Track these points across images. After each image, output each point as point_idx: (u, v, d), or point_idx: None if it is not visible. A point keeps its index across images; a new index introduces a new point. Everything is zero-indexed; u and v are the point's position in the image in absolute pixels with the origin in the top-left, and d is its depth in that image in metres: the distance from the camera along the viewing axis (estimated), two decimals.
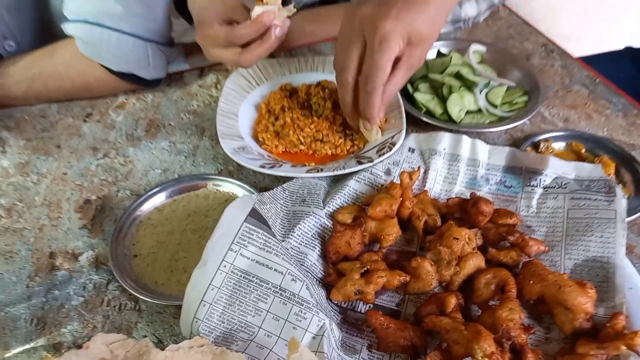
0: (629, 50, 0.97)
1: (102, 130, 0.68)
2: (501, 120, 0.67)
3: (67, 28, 0.65)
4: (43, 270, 0.51)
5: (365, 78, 0.53)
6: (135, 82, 0.70)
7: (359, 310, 0.48)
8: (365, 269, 0.48)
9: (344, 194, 0.55)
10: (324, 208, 0.53)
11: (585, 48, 0.94)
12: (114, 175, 0.61)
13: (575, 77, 0.76)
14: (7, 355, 0.44)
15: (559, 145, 0.64)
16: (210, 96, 0.73)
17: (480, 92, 0.69)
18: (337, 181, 0.58)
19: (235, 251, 0.45)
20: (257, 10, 0.58)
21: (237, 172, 0.62)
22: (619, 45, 1.00)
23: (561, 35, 0.87)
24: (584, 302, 0.44)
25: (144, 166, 0.62)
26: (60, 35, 0.68)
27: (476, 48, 0.75)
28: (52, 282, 0.50)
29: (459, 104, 0.67)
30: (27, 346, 0.45)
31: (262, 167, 0.56)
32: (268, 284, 0.44)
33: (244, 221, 0.46)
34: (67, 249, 0.53)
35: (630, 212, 0.54)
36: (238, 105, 0.67)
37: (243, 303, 0.43)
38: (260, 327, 0.43)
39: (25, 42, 0.73)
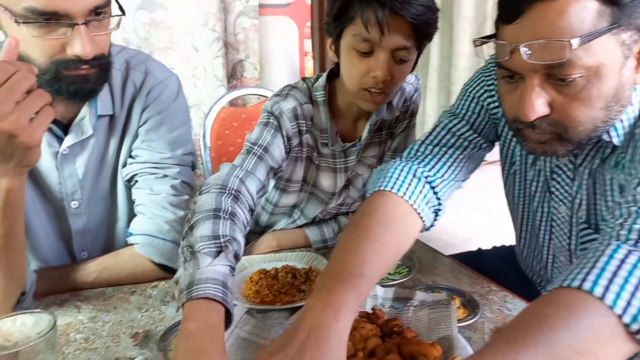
0: (483, 250, 1.48)
1: (143, 299, 1.05)
2: (394, 280, 1.11)
3: (132, 239, 1.10)
4: None
5: None
6: (168, 271, 1.11)
7: None
8: None
9: None
10: None
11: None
12: (153, 320, 0.96)
13: (438, 260, 1.23)
14: None
15: (428, 290, 1.06)
16: None
17: None
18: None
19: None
20: None
21: None
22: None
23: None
24: (435, 352, 0.80)
25: (172, 314, 0.98)
26: (116, 249, 1.12)
27: None
28: None
29: None
30: None
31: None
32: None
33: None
34: (126, 356, 0.85)
35: None
36: None
37: None
38: None
39: (94, 252, 1.16)
